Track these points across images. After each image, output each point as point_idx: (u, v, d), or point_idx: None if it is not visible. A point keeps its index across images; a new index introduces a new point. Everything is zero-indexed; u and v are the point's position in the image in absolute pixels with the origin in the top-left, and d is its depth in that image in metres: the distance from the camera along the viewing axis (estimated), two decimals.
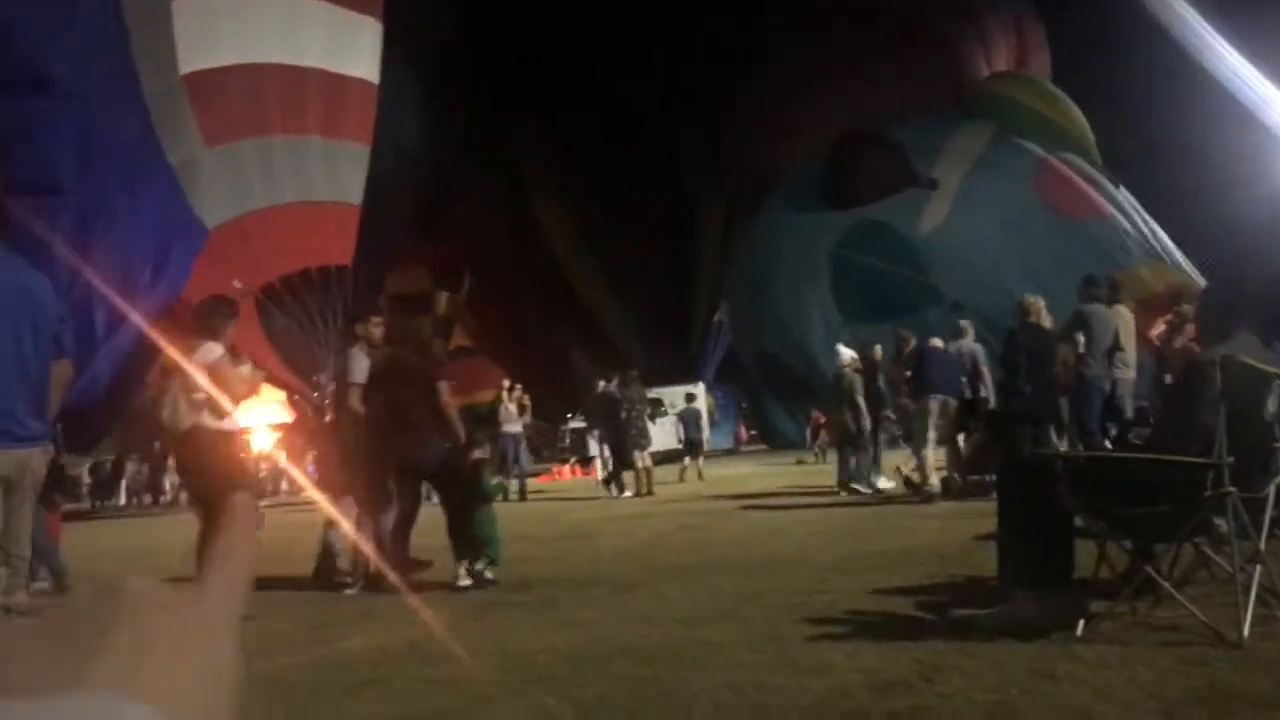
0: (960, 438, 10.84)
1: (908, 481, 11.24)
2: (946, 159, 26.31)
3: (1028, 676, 3.54)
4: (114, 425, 27.07)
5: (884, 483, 12.07)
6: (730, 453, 31.39)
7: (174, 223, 19.84)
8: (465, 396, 44.76)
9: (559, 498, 16.95)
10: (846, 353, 12.68)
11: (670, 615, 5.19)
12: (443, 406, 7.01)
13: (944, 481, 10.63)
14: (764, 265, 27.84)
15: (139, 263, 19.34)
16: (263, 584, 7.78)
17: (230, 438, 6.30)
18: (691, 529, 9.69)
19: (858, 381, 12.26)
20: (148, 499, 31.08)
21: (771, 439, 31.90)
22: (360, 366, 7.30)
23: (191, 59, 19.63)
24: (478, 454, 7.35)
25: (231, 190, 20.85)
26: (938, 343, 11.12)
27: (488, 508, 7.01)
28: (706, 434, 21.15)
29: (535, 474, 26.34)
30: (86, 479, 32.24)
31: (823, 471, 18.58)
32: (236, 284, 21.52)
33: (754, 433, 34.90)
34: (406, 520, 7.05)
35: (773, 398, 28.67)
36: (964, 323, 11.67)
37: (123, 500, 32.17)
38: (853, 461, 12.27)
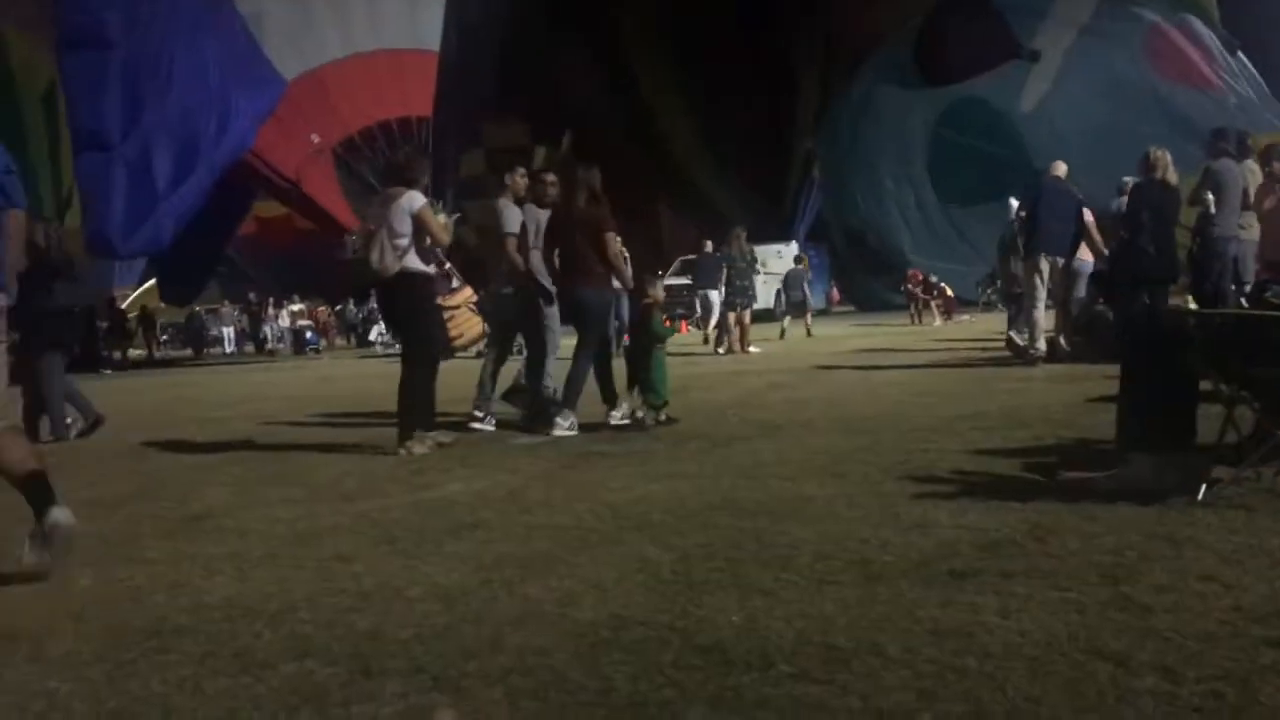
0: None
1: (1009, 342, 10.93)
2: (1050, 27, 24.77)
3: (1146, 540, 3.39)
4: (205, 277, 27.62)
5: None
6: (822, 313, 31.04)
7: (244, 75, 19.59)
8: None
9: None
10: (1016, 204, 12.01)
11: (767, 471, 5.12)
12: (612, 255, 7.28)
13: (1049, 344, 10.28)
14: (856, 141, 26.97)
15: (203, 115, 19.20)
16: (364, 422, 7.94)
17: (431, 280, 6.78)
18: (786, 387, 9.59)
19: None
20: (249, 347, 32.01)
21: (863, 300, 31.53)
22: (512, 217, 7.52)
23: None
24: (649, 299, 7.64)
25: (307, 41, 20.54)
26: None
27: (659, 351, 7.30)
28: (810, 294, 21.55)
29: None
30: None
31: (919, 333, 18.30)
32: (315, 138, 21.49)
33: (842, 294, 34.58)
34: (604, 363, 7.46)
35: (859, 267, 28.17)
36: (1060, 166, 10.84)
37: (229, 348, 33.20)
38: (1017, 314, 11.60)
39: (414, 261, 6.53)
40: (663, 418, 7.17)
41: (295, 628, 2.98)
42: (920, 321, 22.45)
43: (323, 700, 2.41)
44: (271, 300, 32.71)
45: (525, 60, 33.82)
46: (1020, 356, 10.29)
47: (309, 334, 31.07)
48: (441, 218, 6.94)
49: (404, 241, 6.46)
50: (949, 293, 23.61)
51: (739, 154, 31.74)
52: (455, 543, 3.92)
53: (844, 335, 19.43)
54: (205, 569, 3.74)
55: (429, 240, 6.57)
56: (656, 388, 7.22)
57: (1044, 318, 10.24)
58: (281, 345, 31.57)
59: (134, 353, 31.43)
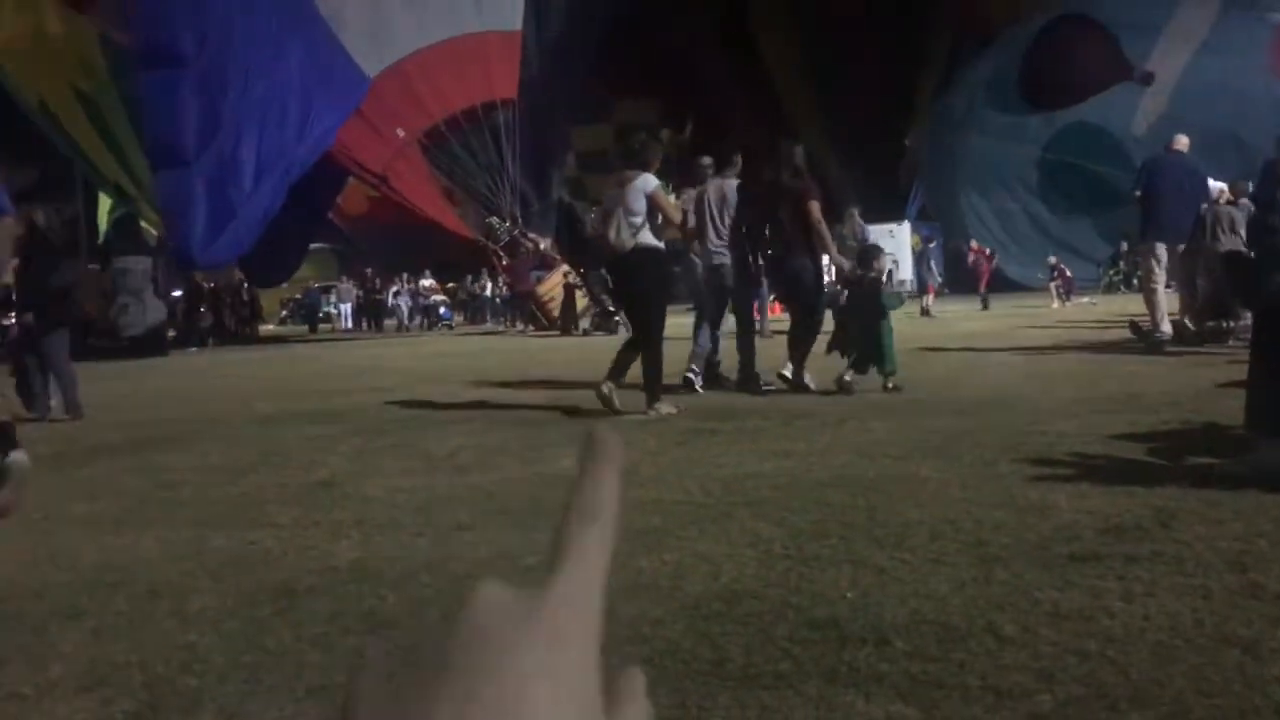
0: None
1: (1133, 326, 10.60)
2: (1165, 44, 23.53)
3: (1278, 527, 3.28)
4: (294, 260, 28.10)
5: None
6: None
7: (327, 77, 19.79)
8: (666, 232, 45.17)
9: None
10: (1216, 185, 11.53)
11: (879, 450, 5.08)
12: (815, 224, 7.75)
13: (1175, 327, 9.93)
14: (963, 160, 26.29)
15: (285, 120, 19.45)
16: (478, 398, 8.11)
17: (663, 256, 7.24)
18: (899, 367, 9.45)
19: (1227, 215, 10.86)
20: (365, 324, 32.75)
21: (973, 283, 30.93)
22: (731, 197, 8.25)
23: None
24: (875, 271, 7.97)
25: (386, 35, 20.64)
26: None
27: (887, 320, 7.66)
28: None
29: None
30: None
31: (1036, 315, 17.85)
32: (400, 133, 21.72)
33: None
34: (809, 336, 7.94)
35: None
36: (1181, 140, 10.45)
37: (348, 324, 34.06)
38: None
39: (648, 238, 6.99)
40: (891, 385, 7.46)
41: (418, 591, 3.08)
42: (1066, 302, 21.93)
43: None
44: (405, 276, 33.23)
45: (652, 39, 34.09)
46: (1144, 340, 9.97)
47: (443, 310, 31.57)
48: (672, 198, 7.50)
49: (638, 220, 6.92)
50: (1067, 274, 22.97)
51: (858, 135, 31.43)
52: None
53: (959, 315, 19.06)
54: (331, 534, 3.88)
55: (660, 219, 7.07)
56: (889, 355, 7.56)
57: (1165, 300, 9.90)
58: (413, 323, 32.26)
59: (264, 328, 32.63)
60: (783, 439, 5.59)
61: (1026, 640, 2.43)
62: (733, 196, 8.30)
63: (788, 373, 7.87)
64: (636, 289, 7.18)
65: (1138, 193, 10.35)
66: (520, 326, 23.40)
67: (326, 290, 36.68)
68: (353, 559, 3.49)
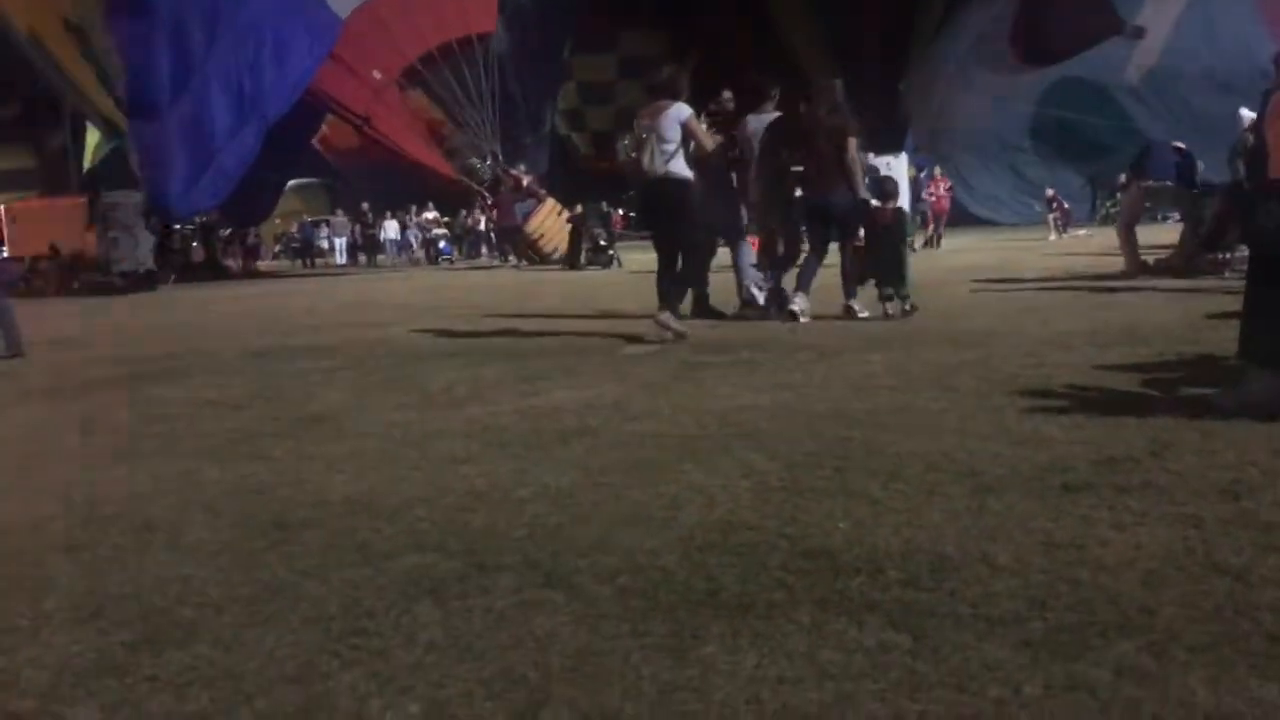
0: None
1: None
2: None
3: (1269, 456, 3.29)
4: (268, 200, 27.69)
5: None
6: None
7: (299, 18, 19.37)
8: None
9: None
10: (1248, 115, 11.51)
11: (875, 382, 5.08)
12: (849, 160, 7.96)
13: (1170, 259, 9.96)
14: (953, 118, 25.98)
15: (258, 63, 19.06)
16: (473, 330, 8.09)
17: (691, 184, 7.39)
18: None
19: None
20: (362, 258, 32.64)
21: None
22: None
23: None
24: (894, 201, 8.53)
25: None
26: None
27: (906, 248, 8.26)
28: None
29: None
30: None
31: (1033, 247, 17.79)
32: (376, 75, 21.37)
33: None
34: (818, 257, 8.31)
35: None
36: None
37: (341, 258, 33.92)
38: None
39: (679, 167, 7.22)
40: (908, 308, 7.87)
41: (413, 524, 3.08)
42: (1063, 234, 21.87)
43: (441, 592, 2.50)
44: (414, 208, 32.98)
45: None
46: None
47: (442, 244, 31.43)
48: (703, 126, 7.65)
49: (670, 148, 7.15)
50: (1065, 206, 22.88)
51: (858, 66, 31.14)
52: (563, 448, 4.00)
53: (955, 249, 19.01)
54: (326, 467, 3.89)
55: (693, 147, 7.26)
56: (910, 281, 8.06)
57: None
58: (402, 256, 32.11)
59: (262, 264, 32.58)
60: (779, 372, 5.58)
61: (1019, 569, 2.44)
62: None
63: (855, 304, 8.04)
64: (665, 214, 7.42)
65: (1122, 178, 10.65)
66: (513, 261, 23.25)
67: (319, 225, 36.42)
68: (347, 492, 3.50)
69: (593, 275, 17.90)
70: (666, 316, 7.15)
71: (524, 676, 2.02)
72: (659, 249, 7.63)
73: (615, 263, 19.78)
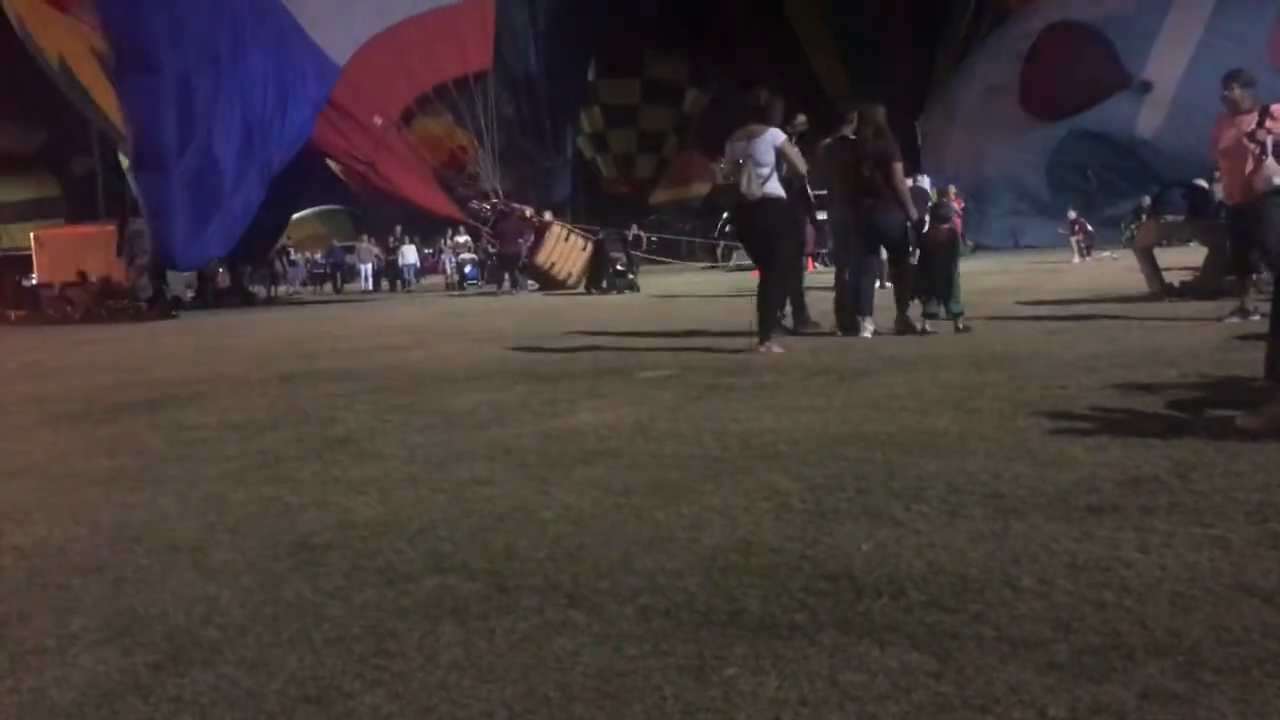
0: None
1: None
2: (1162, 49, 22.90)
3: None
4: (265, 248, 27.78)
5: None
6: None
7: (296, 66, 19.52)
8: (680, 189, 45.00)
9: None
10: None
11: (897, 404, 5.07)
12: (898, 183, 8.38)
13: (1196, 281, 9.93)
14: (966, 161, 25.99)
15: (262, 113, 19.22)
16: (499, 358, 8.12)
17: (786, 204, 7.84)
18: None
19: None
20: (386, 285, 32.77)
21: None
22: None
23: None
24: (948, 222, 9.02)
25: (348, 21, 20.31)
26: None
27: (958, 269, 8.60)
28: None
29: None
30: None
31: (1057, 269, 17.71)
32: (377, 120, 21.53)
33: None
34: (870, 275, 8.71)
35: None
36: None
37: (368, 285, 34.08)
38: None
39: (774, 188, 7.65)
40: (962, 325, 8.19)
41: (435, 545, 3.09)
42: (1086, 257, 21.75)
43: (463, 613, 2.51)
44: (449, 232, 33.09)
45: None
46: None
47: (468, 269, 31.56)
48: (795, 150, 8.07)
49: (765, 171, 7.57)
50: (1088, 228, 22.76)
51: (880, 93, 31.30)
52: (585, 469, 4.00)
53: (977, 271, 18.93)
54: (349, 489, 3.91)
55: (785, 169, 7.73)
56: (960, 299, 8.40)
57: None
58: (418, 281, 32.25)
59: (282, 289, 32.82)
60: (800, 394, 5.58)
61: (1043, 591, 2.42)
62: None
63: (913, 318, 8.37)
64: (762, 234, 7.88)
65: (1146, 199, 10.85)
66: (510, 289, 23.23)
67: (350, 249, 36.61)
68: (370, 514, 3.51)
69: (613, 299, 17.94)
70: (768, 344, 7.52)
71: (546, 697, 2.02)
72: (760, 266, 8.21)
73: (635, 287, 19.82)
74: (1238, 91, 7.92)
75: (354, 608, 2.59)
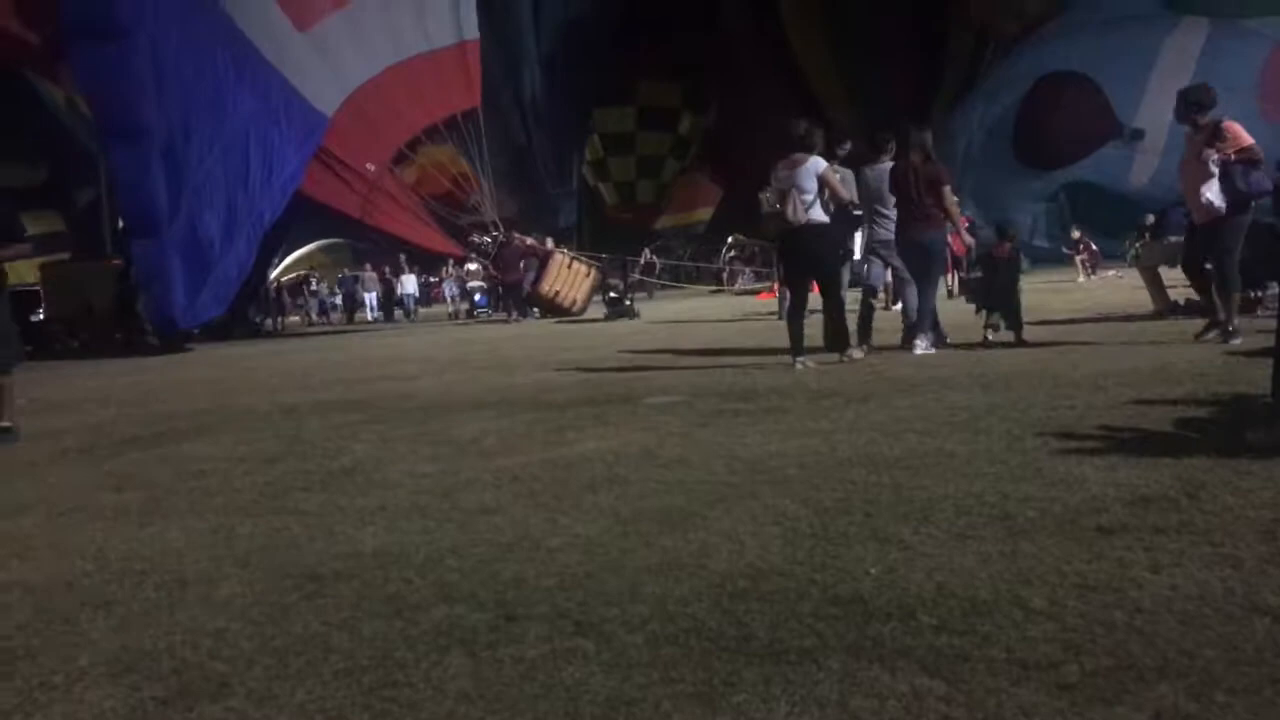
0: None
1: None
2: (1151, 96, 22.95)
3: None
4: (248, 299, 27.77)
5: None
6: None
7: (283, 120, 19.64)
8: (684, 214, 45.08)
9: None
10: None
11: (904, 426, 5.06)
12: (948, 204, 8.76)
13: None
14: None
15: (248, 169, 19.32)
16: (503, 385, 8.12)
17: (830, 228, 8.31)
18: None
19: None
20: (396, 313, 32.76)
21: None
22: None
23: None
24: (1011, 241, 9.70)
25: (334, 72, 20.46)
26: None
27: (1019, 283, 9.26)
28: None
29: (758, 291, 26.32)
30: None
31: (1061, 289, 17.69)
32: (370, 167, 21.66)
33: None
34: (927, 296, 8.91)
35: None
36: None
37: (373, 314, 34.14)
38: None
39: (818, 214, 8.05)
40: (1020, 338, 8.74)
41: (443, 575, 3.08)
42: (1092, 276, 21.77)
43: (471, 642, 2.50)
44: (450, 263, 33.17)
45: (674, 18, 34.04)
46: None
47: (478, 296, 31.58)
48: (838, 176, 8.50)
49: (809, 197, 7.94)
50: (1093, 247, 22.77)
51: (884, 115, 31.41)
52: (593, 496, 4.00)
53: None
54: (357, 519, 3.90)
55: (827, 195, 8.11)
56: (1021, 316, 8.96)
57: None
58: (419, 311, 32.34)
59: (290, 319, 32.94)
60: (806, 418, 5.57)
61: (1054, 612, 2.41)
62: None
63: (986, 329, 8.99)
64: (811, 257, 8.24)
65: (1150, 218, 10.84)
66: (511, 316, 23.27)
67: (356, 279, 36.66)
68: (378, 544, 3.51)
69: (616, 326, 17.95)
70: (850, 352, 8.07)
71: None
72: (793, 290, 8.60)
73: (633, 314, 19.84)
74: (1193, 113, 8.06)
75: (362, 638, 2.59)
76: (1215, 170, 7.57)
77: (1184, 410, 4.94)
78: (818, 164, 8.05)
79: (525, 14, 30.60)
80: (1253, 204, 7.98)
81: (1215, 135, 7.69)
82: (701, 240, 43.22)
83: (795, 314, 8.29)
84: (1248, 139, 7.74)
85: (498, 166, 23.83)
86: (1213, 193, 7.56)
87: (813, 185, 7.95)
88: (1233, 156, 7.61)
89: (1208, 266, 8.09)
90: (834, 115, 30.55)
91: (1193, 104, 8.02)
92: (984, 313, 9.28)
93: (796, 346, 8.06)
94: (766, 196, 8.21)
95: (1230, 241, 7.75)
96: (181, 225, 18.46)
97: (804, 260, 8.34)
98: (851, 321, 8.70)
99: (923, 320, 8.67)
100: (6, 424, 6.91)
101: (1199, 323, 8.39)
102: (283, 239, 26.12)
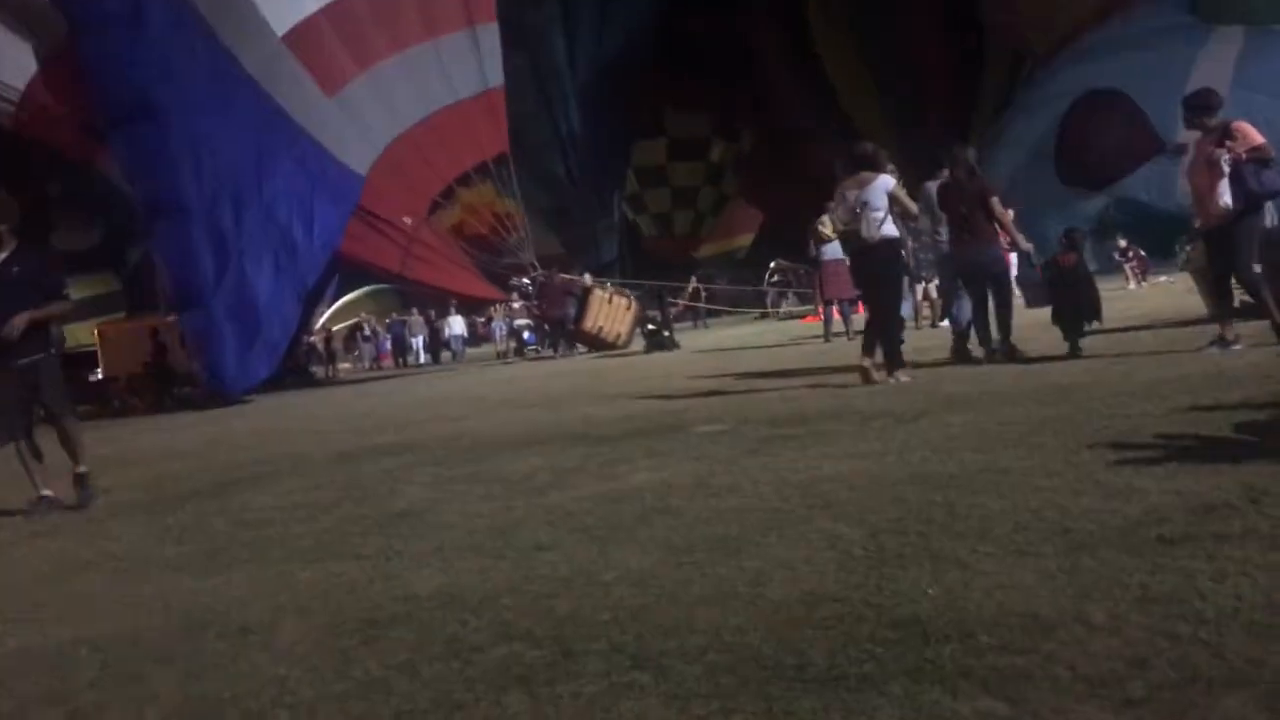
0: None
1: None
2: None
3: None
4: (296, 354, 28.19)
5: None
6: None
7: (319, 183, 19.98)
8: (725, 241, 45.07)
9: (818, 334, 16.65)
10: None
11: (957, 444, 5.01)
12: (1000, 216, 9.00)
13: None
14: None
15: (291, 233, 19.72)
16: (548, 432, 8.15)
17: (900, 244, 8.76)
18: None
19: None
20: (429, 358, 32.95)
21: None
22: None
23: (281, 20, 19.34)
24: (1080, 250, 9.49)
25: (364, 132, 20.80)
26: None
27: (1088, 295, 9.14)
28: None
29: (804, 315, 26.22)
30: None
31: (1107, 299, 17.44)
32: (406, 220, 21.93)
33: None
34: (980, 309, 9.14)
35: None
36: None
37: (420, 358, 34.44)
38: None
39: (890, 229, 8.31)
40: (1076, 349, 8.64)
41: (500, 614, 3.10)
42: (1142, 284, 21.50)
43: (530, 680, 2.51)
44: (496, 304, 33.54)
45: (706, 49, 34.21)
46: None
47: (526, 334, 31.75)
48: (905, 192, 8.66)
49: (880, 215, 8.20)
50: (1141, 254, 22.46)
51: (920, 133, 31.22)
52: (646, 529, 4.00)
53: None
54: (413, 562, 3.93)
55: (897, 211, 8.35)
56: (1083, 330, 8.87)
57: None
58: (465, 351, 32.63)
59: (343, 366, 33.38)
60: (857, 440, 5.53)
61: (1116, 627, 2.37)
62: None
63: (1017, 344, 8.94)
64: (884, 273, 8.48)
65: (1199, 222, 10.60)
66: (558, 352, 23.37)
67: (405, 323, 37.06)
68: (434, 586, 3.53)
69: (660, 357, 17.96)
70: (899, 373, 8.13)
71: None
72: (871, 306, 8.83)
73: (672, 344, 19.82)
74: (1200, 116, 7.96)
75: (422, 681, 2.60)
76: (1227, 169, 7.46)
77: (1243, 414, 4.84)
78: (887, 182, 8.30)
79: (560, 51, 30.96)
80: (1265, 205, 7.86)
81: (1226, 135, 7.59)
82: (743, 266, 43.17)
83: (869, 327, 8.53)
84: (1259, 138, 7.63)
85: (539, 204, 24.04)
86: (1225, 191, 7.45)
87: (883, 202, 8.19)
88: (1244, 156, 7.49)
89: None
90: (866, 132, 30.56)
91: (1198, 107, 7.93)
92: (1063, 325, 8.95)
93: (891, 363, 8.21)
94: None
95: (1243, 243, 7.61)
96: (228, 291, 18.87)
97: (875, 275, 8.55)
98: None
99: (1004, 341, 8.91)
100: (83, 469, 6.93)
101: (1255, 325, 8.23)
102: (323, 293, 26.55)
